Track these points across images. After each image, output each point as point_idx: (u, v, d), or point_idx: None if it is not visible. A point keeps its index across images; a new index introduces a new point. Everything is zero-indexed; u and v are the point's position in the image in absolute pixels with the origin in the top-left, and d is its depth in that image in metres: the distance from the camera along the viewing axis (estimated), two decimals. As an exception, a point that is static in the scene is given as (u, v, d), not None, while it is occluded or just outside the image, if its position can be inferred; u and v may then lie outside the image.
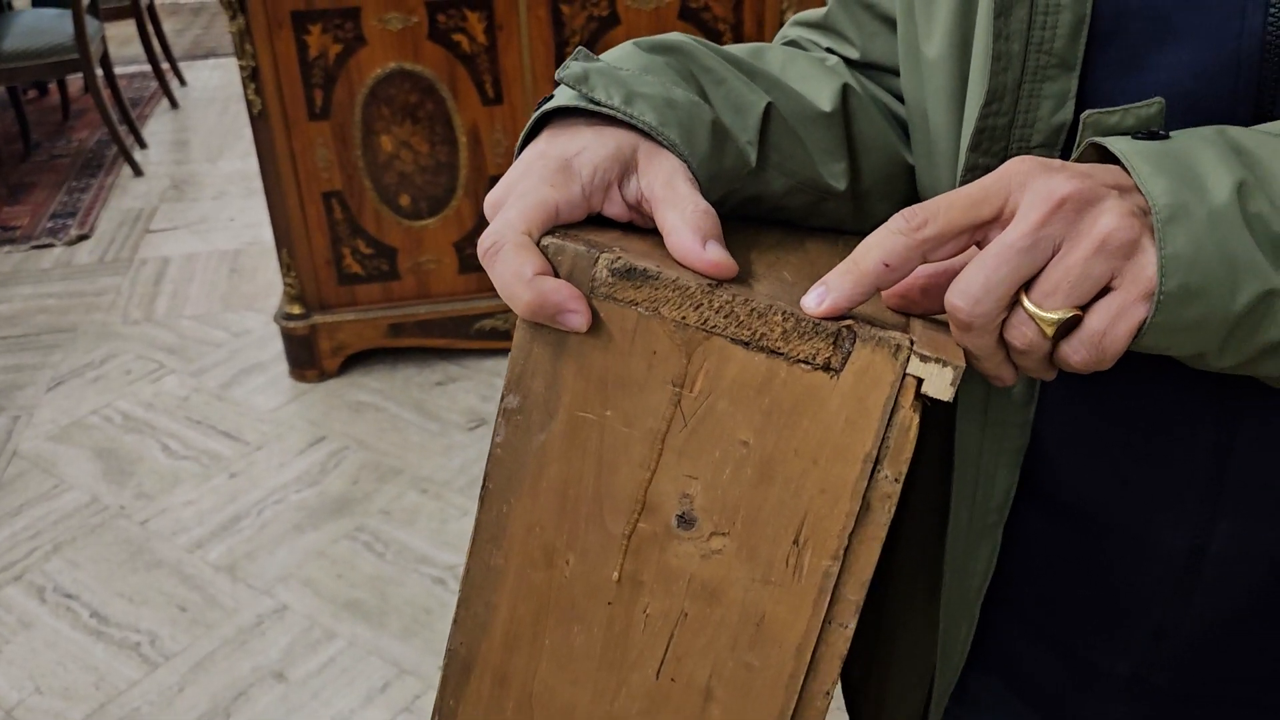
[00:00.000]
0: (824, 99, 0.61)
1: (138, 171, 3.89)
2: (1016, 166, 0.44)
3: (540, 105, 0.53)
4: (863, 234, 0.48)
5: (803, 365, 0.46)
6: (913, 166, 0.66)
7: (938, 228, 0.44)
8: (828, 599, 0.49)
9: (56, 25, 3.69)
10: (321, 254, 2.54)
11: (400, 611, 1.98)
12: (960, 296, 0.44)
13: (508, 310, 2.58)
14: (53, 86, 4.61)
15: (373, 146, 2.45)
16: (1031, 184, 0.43)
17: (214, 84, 4.86)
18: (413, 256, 2.58)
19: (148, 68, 4.61)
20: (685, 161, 0.51)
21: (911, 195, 0.67)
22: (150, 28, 4.51)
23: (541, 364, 0.50)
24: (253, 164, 3.91)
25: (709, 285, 0.47)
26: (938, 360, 0.45)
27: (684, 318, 0.47)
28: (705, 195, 0.51)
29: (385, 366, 2.69)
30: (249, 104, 2.37)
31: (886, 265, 0.45)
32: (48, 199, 3.70)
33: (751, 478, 0.48)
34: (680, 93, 0.53)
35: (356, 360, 2.69)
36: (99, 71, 3.81)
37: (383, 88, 2.40)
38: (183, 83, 4.87)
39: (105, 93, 3.88)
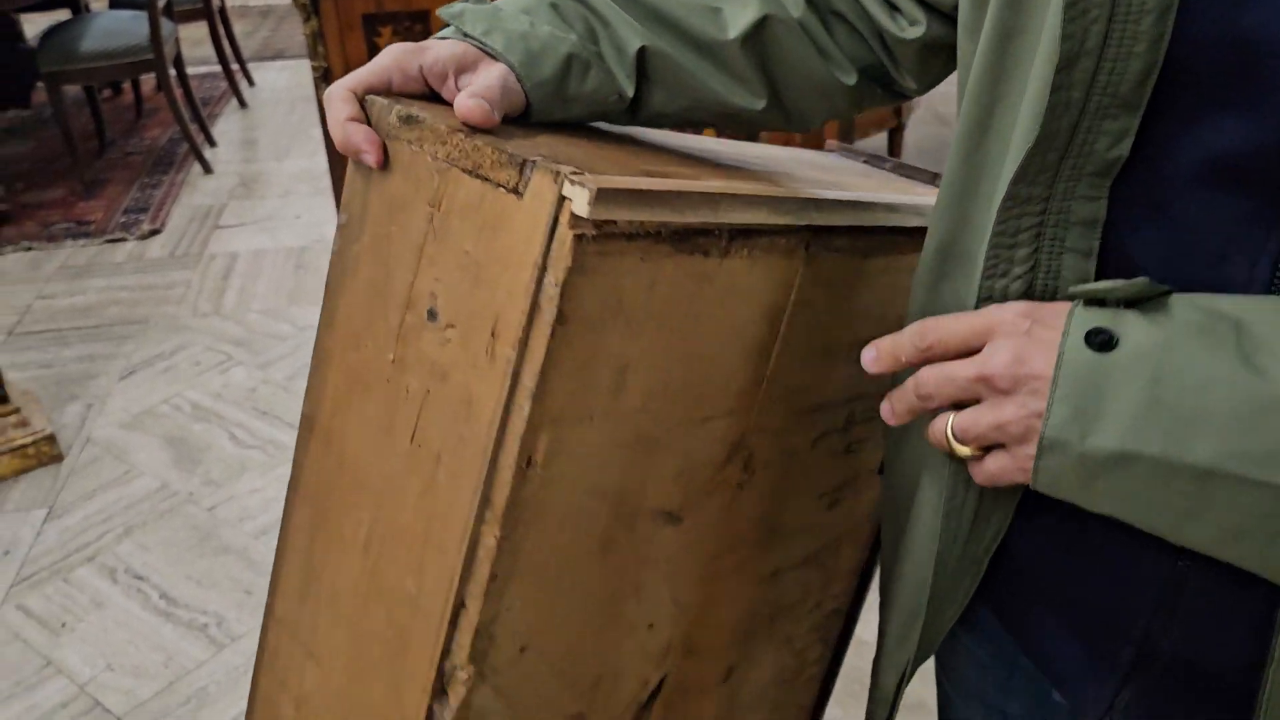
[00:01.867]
0: (730, 29, 0.71)
1: (207, 169, 3.99)
2: (1011, 323, 0.55)
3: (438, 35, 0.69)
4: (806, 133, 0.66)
5: (502, 189, 0.57)
6: (851, 86, 0.76)
7: (940, 346, 0.59)
8: (509, 377, 0.57)
9: (132, 27, 3.80)
10: (386, 251, 2.60)
11: (458, 601, 2.02)
12: (922, 383, 0.60)
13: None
14: (126, 86, 4.74)
15: (438, 146, 2.50)
16: (1002, 343, 0.55)
17: (281, 85, 4.97)
18: (475, 254, 2.63)
19: (218, 68, 4.73)
20: (514, 71, 0.65)
21: (846, 110, 0.78)
22: (221, 29, 4.62)
23: (358, 190, 0.65)
24: (319, 163, 4.00)
25: (456, 128, 0.59)
26: (581, 183, 0.53)
27: (436, 152, 0.60)
28: (546, 106, 0.67)
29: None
30: (320, 104, 2.44)
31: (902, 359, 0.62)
32: (121, 195, 3.81)
33: (470, 280, 0.60)
34: (544, 30, 0.67)
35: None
36: (172, 72, 3.91)
37: (449, 88, 2.45)
38: (251, 83, 4.98)
39: (177, 92, 3.98)
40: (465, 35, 0.66)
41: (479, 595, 0.61)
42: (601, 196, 0.53)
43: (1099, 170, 0.54)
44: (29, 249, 3.43)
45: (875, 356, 0.62)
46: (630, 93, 0.71)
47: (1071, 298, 0.54)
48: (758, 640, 0.86)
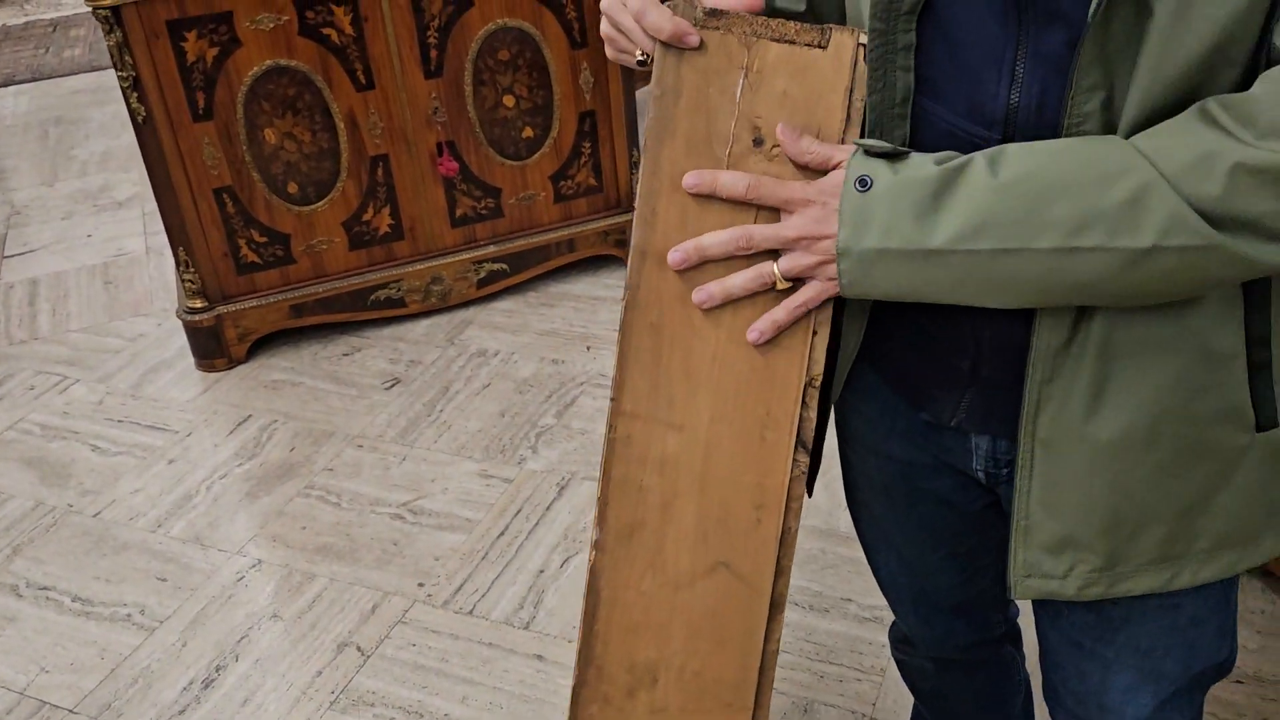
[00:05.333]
0: None
1: (-29, 202, 3.84)
2: (813, 200, 0.84)
3: None
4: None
5: (807, 46, 0.86)
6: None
7: (761, 200, 0.85)
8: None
9: None
10: (218, 247, 2.70)
11: (369, 547, 2.20)
12: (751, 235, 0.86)
13: (400, 280, 2.82)
14: None
15: (257, 141, 2.62)
16: (813, 212, 0.83)
17: (22, 110, 4.78)
18: (305, 240, 2.76)
19: (-50, 100, 4.49)
20: None
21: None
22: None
23: (672, 67, 0.89)
24: (95, 181, 3.94)
25: (755, 14, 0.87)
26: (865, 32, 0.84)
27: (745, 31, 0.86)
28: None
29: (290, 346, 2.87)
30: (132, 113, 2.50)
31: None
32: (-117, 240, 3.63)
33: (789, 110, 0.86)
34: None
35: (262, 344, 2.85)
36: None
37: (261, 84, 2.57)
38: (-14, 112, 4.76)
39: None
40: None
41: (826, 320, 0.90)
42: None
43: (909, 9, 0.83)
44: None
45: (698, 182, 0.87)
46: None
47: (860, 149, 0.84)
48: None
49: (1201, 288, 0.79)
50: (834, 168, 0.84)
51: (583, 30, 2.79)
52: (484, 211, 2.91)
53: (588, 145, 2.94)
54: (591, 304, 2.99)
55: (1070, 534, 0.89)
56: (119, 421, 2.65)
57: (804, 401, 0.91)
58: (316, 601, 2.09)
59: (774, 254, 0.87)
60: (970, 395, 0.94)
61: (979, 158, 0.79)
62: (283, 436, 2.55)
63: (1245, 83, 0.75)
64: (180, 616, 2.08)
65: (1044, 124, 0.80)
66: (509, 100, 2.81)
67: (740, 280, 0.87)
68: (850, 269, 0.82)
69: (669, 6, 0.87)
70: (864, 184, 0.81)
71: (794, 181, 0.86)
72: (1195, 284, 0.78)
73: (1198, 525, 0.89)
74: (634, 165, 3.01)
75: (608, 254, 3.09)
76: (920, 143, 0.87)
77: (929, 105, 0.86)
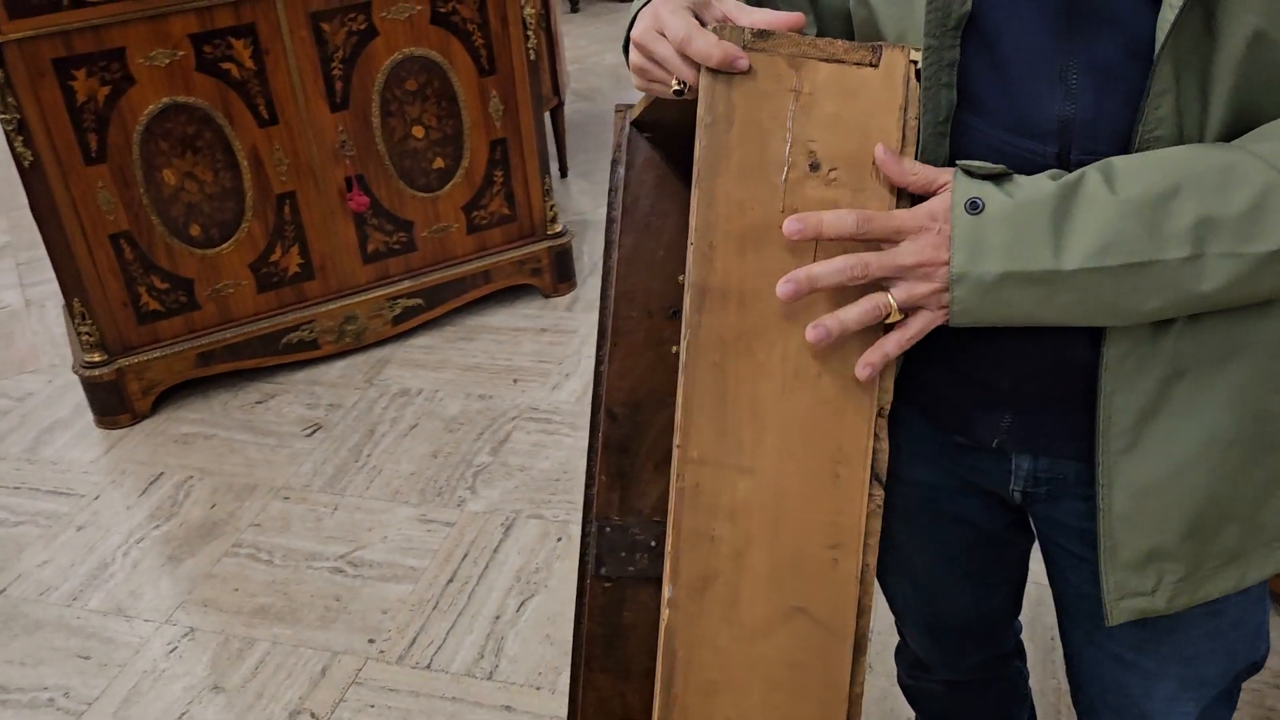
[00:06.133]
0: None
1: None
2: (924, 224, 0.80)
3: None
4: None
5: (857, 65, 0.83)
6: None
7: (874, 233, 0.81)
8: (895, 190, 0.84)
9: None
10: (117, 296, 2.54)
11: (310, 605, 2.09)
12: (868, 263, 0.81)
13: (313, 321, 2.71)
14: None
15: (156, 182, 2.48)
16: (925, 239, 0.80)
17: None
18: (210, 284, 2.63)
19: None
20: None
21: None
22: None
23: (722, 93, 0.84)
24: (-42, 231, 3.69)
25: (802, 34, 0.84)
26: (919, 50, 0.82)
27: (792, 52, 0.82)
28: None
29: (199, 397, 2.72)
30: (18, 157, 2.34)
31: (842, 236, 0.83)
32: None
33: (841, 133, 0.83)
34: None
35: (168, 397, 2.70)
36: None
37: (158, 123, 2.44)
38: None
39: None
40: None
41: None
42: None
43: (955, 24, 0.81)
44: None
45: (801, 229, 0.81)
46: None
47: (958, 168, 0.82)
48: None
49: None
50: (938, 190, 0.82)
51: (490, 57, 2.74)
52: (396, 246, 2.82)
53: (500, 174, 2.88)
54: (512, 336, 2.92)
55: (1155, 545, 0.88)
56: (15, 489, 2.47)
57: (875, 433, 0.88)
58: (260, 668, 1.97)
59: (878, 283, 0.84)
60: (1011, 415, 0.93)
61: (1090, 173, 0.77)
62: (201, 493, 2.41)
63: None
64: (110, 697, 1.93)
65: (1100, 134, 0.79)
66: (418, 131, 2.73)
67: (856, 313, 0.82)
68: (965, 295, 0.79)
69: (714, 31, 0.84)
70: (975, 206, 0.79)
71: (900, 210, 0.82)
72: None
73: (1263, 518, 0.89)
74: (546, 192, 2.96)
75: (524, 283, 3.03)
76: (963, 159, 0.85)
77: (970, 120, 0.84)
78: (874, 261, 0.81)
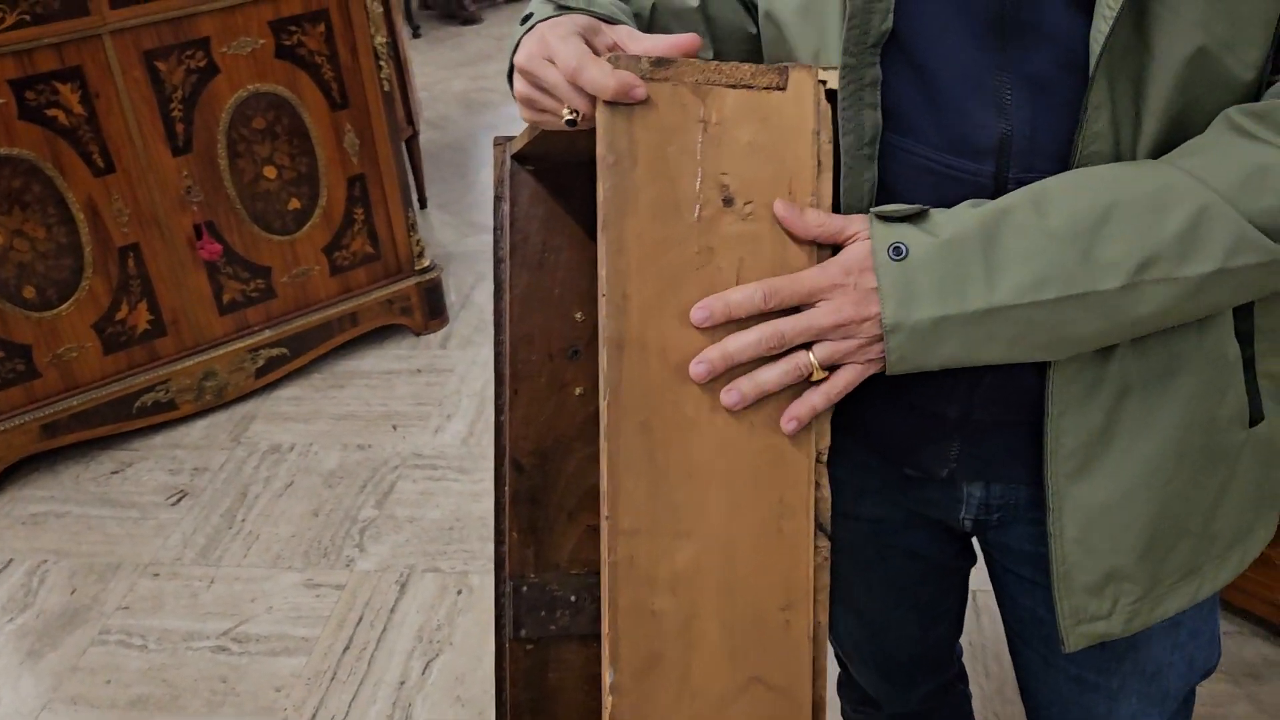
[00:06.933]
0: None
1: None
2: (840, 280, 0.75)
3: (524, 20, 0.85)
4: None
5: (766, 89, 0.76)
6: (754, 34, 0.96)
7: (782, 304, 0.76)
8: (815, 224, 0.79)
9: None
10: (-56, 371, 2.31)
11: (194, 690, 1.92)
12: (783, 331, 0.76)
13: (168, 380, 2.53)
14: None
15: (-19, 243, 2.27)
16: (841, 298, 0.75)
17: None
18: (50, 349, 2.42)
19: None
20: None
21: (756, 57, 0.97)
22: None
23: (623, 129, 0.77)
24: None
25: (706, 60, 0.79)
26: (829, 70, 0.78)
27: (697, 79, 0.77)
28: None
29: (46, 472, 2.50)
30: None
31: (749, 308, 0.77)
32: None
33: (755, 162, 0.78)
34: (607, 3, 0.86)
35: (11, 474, 2.47)
36: None
37: (-21, 179, 2.23)
38: None
39: None
40: (563, 8, 0.84)
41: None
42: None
43: (875, 41, 0.77)
44: None
45: (708, 315, 0.75)
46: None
47: (874, 213, 0.77)
48: None
49: (1249, 299, 0.77)
50: (847, 240, 0.76)
51: (342, 90, 2.61)
52: (254, 294, 2.66)
53: (360, 211, 2.75)
54: (385, 379, 2.79)
55: (1110, 567, 0.85)
56: None
57: (815, 481, 0.82)
58: (143, 767, 1.80)
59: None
60: (960, 443, 0.89)
61: (1018, 199, 0.73)
62: (58, 578, 2.20)
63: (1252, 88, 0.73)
64: (-28, 819, 1.73)
65: (1038, 151, 0.75)
66: (270, 171, 2.58)
67: (775, 374, 0.76)
68: (901, 344, 0.74)
69: (608, 60, 0.76)
70: (899, 252, 0.74)
71: (809, 270, 0.77)
72: (1247, 298, 0.76)
73: (1215, 529, 0.87)
74: (411, 227, 2.85)
75: (394, 323, 2.91)
76: (892, 182, 0.80)
77: (899, 141, 0.79)
78: (789, 329, 0.76)
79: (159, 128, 2.40)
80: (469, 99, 4.76)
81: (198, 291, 2.57)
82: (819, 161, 0.78)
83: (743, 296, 0.75)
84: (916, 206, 0.75)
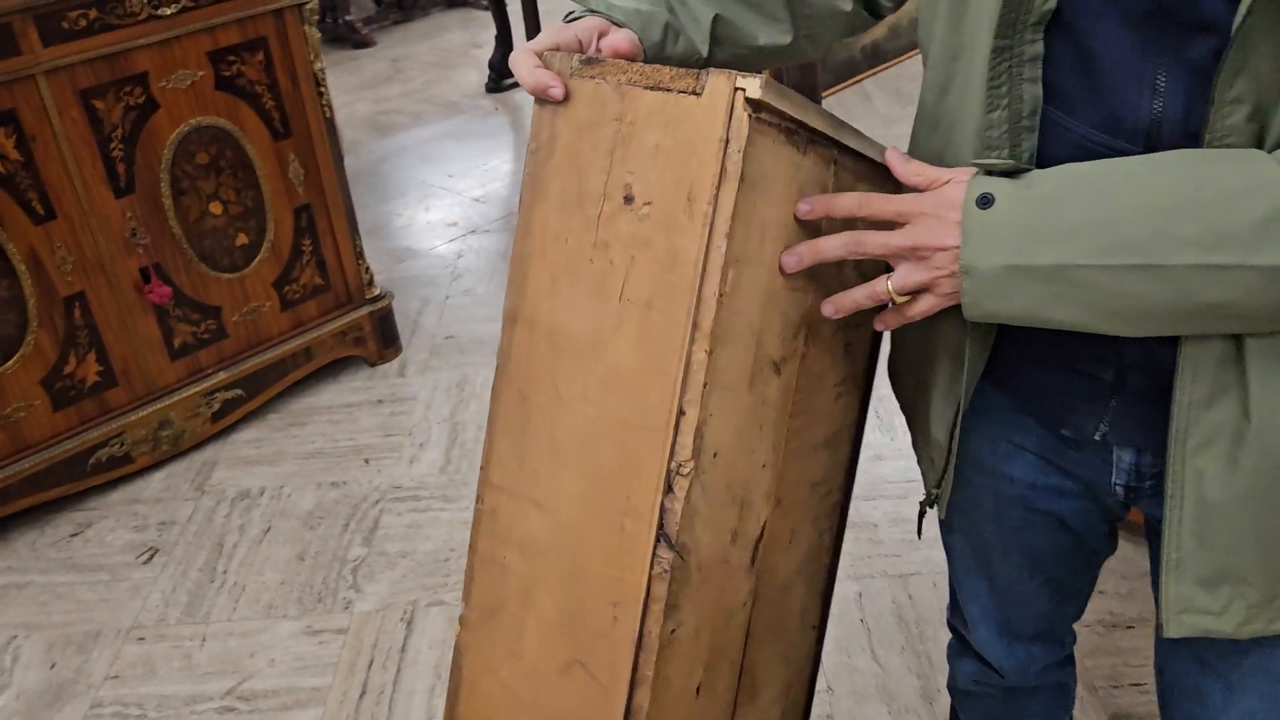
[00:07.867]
0: None
1: None
2: (929, 209, 0.80)
3: (567, 16, 0.91)
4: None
5: (682, 94, 0.78)
6: (847, 12, 1.03)
7: (872, 215, 0.82)
8: (708, 228, 0.78)
9: None
10: (-117, 443, 2.15)
11: (207, 755, 1.83)
12: (861, 240, 0.82)
13: (122, 433, 2.42)
14: None
15: (-83, 303, 2.12)
16: (924, 224, 0.80)
17: None
18: (-3, 410, 2.28)
19: None
20: (636, 35, 0.90)
21: (843, 34, 1.06)
22: None
23: (547, 121, 0.83)
24: None
25: (629, 61, 0.82)
26: (749, 77, 0.76)
27: (619, 80, 0.80)
28: (653, 62, 0.90)
29: (-2, 541, 2.35)
30: None
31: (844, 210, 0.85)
32: None
33: (661, 165, 0.80)
34: (645, 6, 0.91)
35: (-40, 547, 2.31)
36: None
37: (-90, 235, 2.09)
38: None
39: None
40: (592, 11, 0.90)
41: (695, 401, 0.77)
42: (767, 83, 0.74)
43: (1038, 20, 0.79)
44: None
45: (810, 208, 0.83)
46: (706, 53, 0.95)
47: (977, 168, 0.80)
48: (806, 509, 1.02)
49: None
50: (946, 185, 0.81)
51: (284, 119, 2.53)
52: (206, 335, 2.55)
53: (308, 242, 2.67)
54: (347, 413, 2.71)
55: (1226, 567, 0.85)
56: None
57: (670, 489, 0.80)
58: (167, 842, 1.70)
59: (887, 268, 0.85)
60: (1115, 405, 0.90)
61: (1112, 166, 0.77)
62: (33, 653, 2.07)
63: None
64: None
65: (1190, 135, 0.77)
66: (215, 207, 2.48)
67: (858, 296, 0.85)
68: (975, 287, 0.79)
69: (544, 59, 0.84)
70: (986, 201, 0.78)
71: (905, 194, 0.82)
72: None
73: None
74: (359, 255, 2.78)
75: (349, 355, 2.83)
76: (1050, 156, 0.82)
77: (1059, 117, 0.82)
78: (869, 238, 0.82)
79: (99, 169, 2.28)
80: (376, 122, 4.66)
81: (147, 337, 2.45)
82: (723, 169, 0.77)
83: (842, 198, 0.84)
84: (1014, 163, 0.79)
